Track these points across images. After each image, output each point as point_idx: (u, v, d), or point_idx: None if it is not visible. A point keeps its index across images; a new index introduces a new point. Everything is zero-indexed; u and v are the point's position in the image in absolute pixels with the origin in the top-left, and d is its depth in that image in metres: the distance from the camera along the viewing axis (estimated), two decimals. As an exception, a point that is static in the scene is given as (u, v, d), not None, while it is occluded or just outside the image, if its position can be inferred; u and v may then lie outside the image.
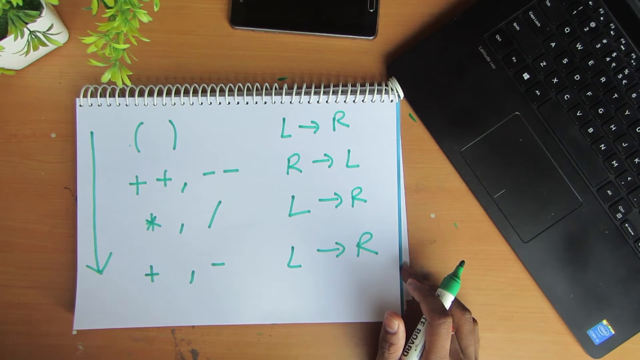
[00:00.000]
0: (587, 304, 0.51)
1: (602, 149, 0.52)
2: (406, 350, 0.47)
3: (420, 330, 0.47)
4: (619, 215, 0.52)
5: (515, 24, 0.53)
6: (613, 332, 0.51)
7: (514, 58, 0.53)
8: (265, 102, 0.53)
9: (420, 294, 0.47)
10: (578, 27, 0.53)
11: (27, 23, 0.45)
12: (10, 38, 0.45)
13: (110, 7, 0.42)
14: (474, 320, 0.49)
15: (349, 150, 0.53)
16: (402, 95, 0.53)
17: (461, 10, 0.54)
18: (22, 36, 0.45)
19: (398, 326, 0.47)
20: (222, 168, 0.52)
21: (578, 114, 0.52)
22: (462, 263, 0.49)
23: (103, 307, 0.51)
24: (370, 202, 0.53)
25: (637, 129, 0.52)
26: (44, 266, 0.52)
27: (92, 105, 0.52)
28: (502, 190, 0.52)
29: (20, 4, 0.42)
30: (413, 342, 0.47)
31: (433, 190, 0.54)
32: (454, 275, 0.48)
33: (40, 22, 0.47)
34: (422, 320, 0.47)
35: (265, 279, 0.52)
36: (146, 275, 0.52)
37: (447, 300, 0.47)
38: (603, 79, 0.52)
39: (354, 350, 0.52)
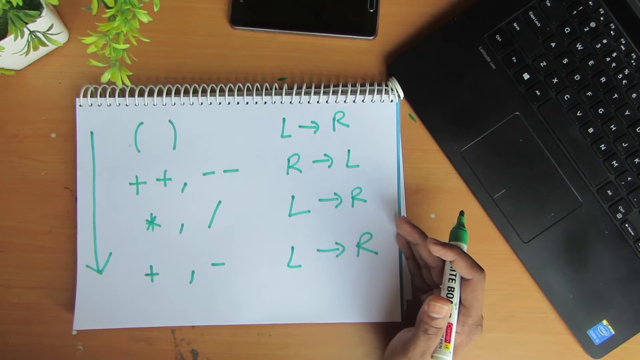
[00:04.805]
0: (587, 304, 0.51)
1: (602, 149, 0.52)
2: None
3: (454, 288, 0.45)
4: (619, 216, 0.52)
5: (515, 24, 0.53)
6: (613, 332, 0.51)
7: (514, 58, 0.53)
8: (265, 102, 0.53)
9: (453, 252, 0.44)
10: (578, 27, 0.53)
11: (27, 23, 0.45)
12: (10, 38, 0.46)
13: (110, 7, 0.42)
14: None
15: (349, 150, 0.53)
16: (402, 95, 0.53)
17: (461, 10, 0.54)
18: (22, 36, 0.45)
19: (447, 311, 0.44)
20: (222, 168, 0.52)
21: (578, 114, 0.52)
22: (462, 212, 0.48)
23: (103, 307, 0.51)
24: (370, 202, 0.53)
25: (637, 129, 0.52)
26: (44, 266, 0.52)
27: (92, 105, 0.52)
28: (502, 190, 0.52)
29: (20, 4, 0.42)
30: (451, 302, 0.45)
31: (433, 190, 0.54)
32: (460, 226, 0.47)
33: (40, 22, 0.47)
34: (451, 276, 0.45)
35: (265, 279, 0.52)
36: (146, 275, 0.51)
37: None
38: (603, 79, 0.52)
39: (354, 351, 0.52)
